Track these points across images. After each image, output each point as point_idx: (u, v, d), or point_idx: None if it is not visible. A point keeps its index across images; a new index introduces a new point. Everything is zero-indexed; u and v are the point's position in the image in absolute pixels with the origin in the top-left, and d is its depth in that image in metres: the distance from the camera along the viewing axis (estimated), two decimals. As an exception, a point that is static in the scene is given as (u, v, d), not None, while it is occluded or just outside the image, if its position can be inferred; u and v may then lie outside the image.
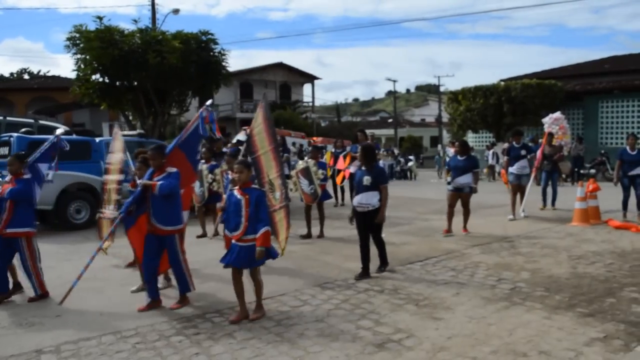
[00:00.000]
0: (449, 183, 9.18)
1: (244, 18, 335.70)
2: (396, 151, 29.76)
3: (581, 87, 23.67)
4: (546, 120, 11.76)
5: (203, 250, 8.07)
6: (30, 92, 35.03)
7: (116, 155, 7.26)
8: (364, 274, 6.46)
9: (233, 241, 4.99)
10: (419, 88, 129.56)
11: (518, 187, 10.71)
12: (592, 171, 19.02)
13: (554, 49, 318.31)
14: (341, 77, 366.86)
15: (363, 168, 6.61)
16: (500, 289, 5.87)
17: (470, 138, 27.66)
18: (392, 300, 5.55)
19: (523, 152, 10.66)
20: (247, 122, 35.99)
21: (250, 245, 4.87)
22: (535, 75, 26.27)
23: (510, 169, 10.74)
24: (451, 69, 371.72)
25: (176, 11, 25.77)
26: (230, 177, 7.21)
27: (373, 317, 5.06)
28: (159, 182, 5.38)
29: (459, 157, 9.00)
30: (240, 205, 4.93)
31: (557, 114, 11.52)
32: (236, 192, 5.02)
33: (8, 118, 15.49)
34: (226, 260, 5.02)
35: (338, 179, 12.79)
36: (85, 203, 10.85)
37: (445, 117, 45.97)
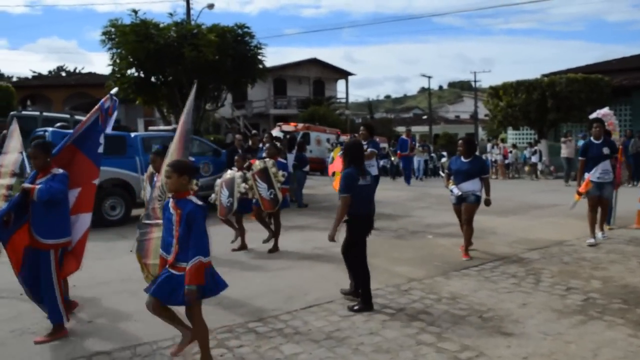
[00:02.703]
0: (452, 192, 7.39)
1: (276, 15, 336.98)
2: (431, 147, 29.07)
3: (629, 82, 22.55)
4: (593, 116, 11.02)
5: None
6: (67, 88, 35.56)
7: (10, 156, 5.93)
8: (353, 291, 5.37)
9: (167, 266, 3.86)
10: (451, 85, 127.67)
11: (598, 201, 7.93)
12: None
13: (590, 44, 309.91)
14: (372, 74, 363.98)
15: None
16: (572, 300, 5.28)
17: (511, 135, 26.80)
18: (452, 311, 5.03)
19: (606, 151, 7.82)
20: (281, 118, 35.82)
21: (182, 275, 3.68)
22: (579, 69, 25.19)
23: (587, 175, 7.93)
24: (483, 65, 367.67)
25: (211, 6, 25.51)
26: (156, 181, 5.29)
27: (434, 330, 4.55)
28: (38, 186, 4.46)
29: (462, 159, 7.26)
30: (172, 222, 3.81)
31: (605, 110, 10.69)
32: (170, 205, 3.87)
33: (44, 113, 15.53)
34: (149, 289, 3.88)
35: (334, 184, 11.08)
36: (121, 199, 10.55)
37: (481, 114, 44.92)
